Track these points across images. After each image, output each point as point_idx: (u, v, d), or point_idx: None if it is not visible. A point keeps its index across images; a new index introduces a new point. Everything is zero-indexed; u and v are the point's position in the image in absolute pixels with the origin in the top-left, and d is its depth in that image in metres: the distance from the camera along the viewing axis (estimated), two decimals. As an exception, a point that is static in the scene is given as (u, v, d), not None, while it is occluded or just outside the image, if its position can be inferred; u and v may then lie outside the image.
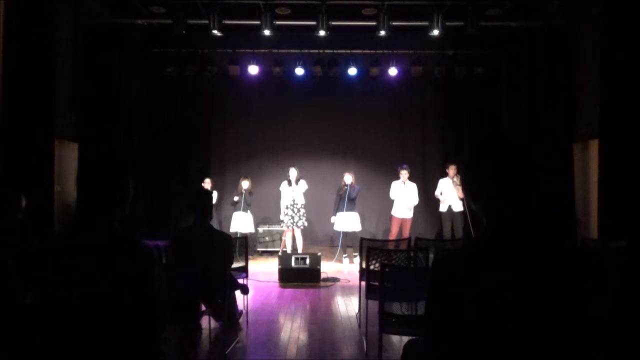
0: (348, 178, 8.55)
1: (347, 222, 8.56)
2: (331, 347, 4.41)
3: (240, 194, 8.95)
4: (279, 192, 8.87)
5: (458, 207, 8.43)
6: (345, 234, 8.61)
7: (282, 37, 8.32)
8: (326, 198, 9.73)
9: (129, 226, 7.27)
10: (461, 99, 9.84)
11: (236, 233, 8.59)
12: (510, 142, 1.46)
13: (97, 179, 1.86)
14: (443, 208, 8.56)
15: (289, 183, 8.68)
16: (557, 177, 7.27)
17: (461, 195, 8.36)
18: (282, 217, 8.73)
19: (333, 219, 8.72)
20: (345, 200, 8.52)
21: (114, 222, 1.85)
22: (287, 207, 8.64)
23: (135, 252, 1.80)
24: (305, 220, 8.71)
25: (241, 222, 8.93)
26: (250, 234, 9.02)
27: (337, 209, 8.69)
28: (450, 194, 8.48)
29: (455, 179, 8.42)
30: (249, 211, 9.04)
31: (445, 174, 8.59)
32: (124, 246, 1.81)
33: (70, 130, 7.12)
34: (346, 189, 8.50)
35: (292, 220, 8.60)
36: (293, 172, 8.67)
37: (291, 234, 8.72)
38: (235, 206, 9.01)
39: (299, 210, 8.62)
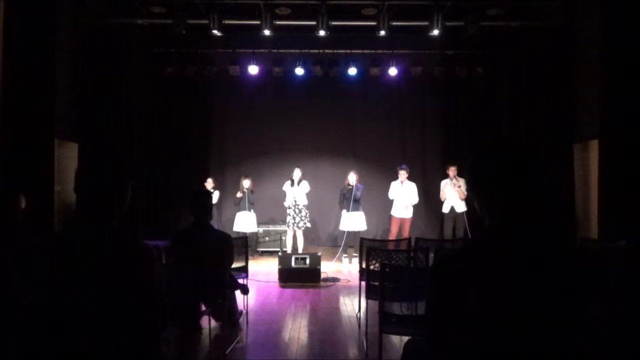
0: (352, 177, 8.52)
1: (353, 221, 8.55)
2: (331, 347, 4.41)
3: (242, 193, 8.94)
4: (279, 192, 8.87)
5: (460, 207, 8.42)
6: (350, 233, 8.58)
7: (282, 37, 8.33)
8: (326, 198, 9.73)
9: (129, 226, 7.28)
10: (461, 99, 9.83)
11: (239, 233, 8.57)
12: (513, 144, 1.46)
13: (97, 179, 1.86)
14: (445, 209, 8.55)
15: (292, 183, 8.67)
16: (557, 177, 7.27)
17: (462, 196, 8.37)
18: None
19: (344, 213, 8.68)
20: (350, 200, 8.51)
21: (113, 222, 1.85)
22: (289, 208, 8.65)
23: (135, 252, 1.80)
24: (308, 221, 8.69)
25: (244, 222, 8.92)
26: (253, 233, 9.01)
27: (342, 208, 8.67)
28: (452, 194, 8.48)
29: (455, 180, 8.41)
30: (252, 210, 9.03)
31: (446, 176, 8.59)
32: (123, 246, 1.81)
33: (70, 130, 7.12)
34: (351, 189, 8.49)
35: (293, 221, 8.59)
36: (297, 173, 8.65)
37: (293, 234, 8.72)
38: (239, 205, 8.99)
39: (300, 211, 8.60)
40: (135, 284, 1.75)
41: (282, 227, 9.08)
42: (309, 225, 8.73)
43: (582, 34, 7.32)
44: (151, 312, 1.78)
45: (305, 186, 8.65)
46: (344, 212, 8.65)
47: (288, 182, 8.73)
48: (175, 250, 4.14)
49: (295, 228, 8.61)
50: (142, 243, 1.85)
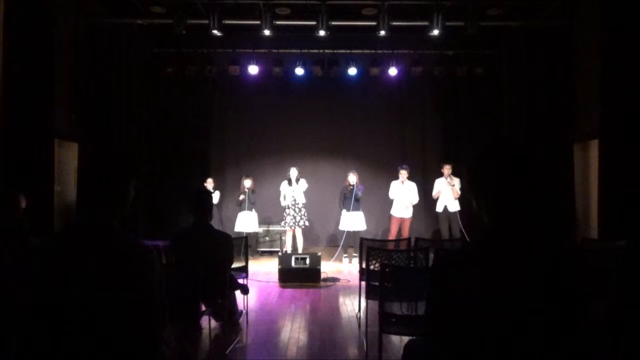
0: (352, 178, 8.54)
1: (353, 221, 8.56)
2: (331, 347, 4.41)
3: (243, 193, 8.95)
4: (279, 192, 8.87)
5: (454, 207, 8.43)
6: (350, 233, 8.60)
7: (282, 37, 8.33)
8: (326, 198, 9.73)
9: (129, 226, 7.28)
10: (461, 99, 9.83)
11: (241, 233, 8.57)
12: (513, 143, 1.46)
13: (98, 179, 1.86)
14: (439, 208, 8.57)
15: (289, 182, 8.67)
16: (557, 177, 7.27)
17: (456, 195, 8.38)
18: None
19: (344, 213, 8.68)
20: (351, 200, 8.52)
21: (114, 222, 1.85)
22: (288, 207, 8.64)
23: (135, 252, 1.80)
24: (307, 220, 8.70)
25: (246, 222, 8.92)
26: (254, 233, 9.02)
27: (343, 207, 8.68)
28: (445, 194, 8.48)
29: (449, 179, 8.41)
30: (253, 210, 9.03)
31: (441, 174, 8.60)
32: (124, 246, 1.81)
33: (70, 130, 7.12)
34: (352, 189, 8.50)
35: (294, 220, 8.59)
36: (294, 172, 8.66)
37: (292, 234, 8.72)
38: (240, 205, 9.01)
39: (300, 210, 8.61)
40: (136, 284, 1.75)
41: (283, 227, 9.07)
42: (307, 224, 8.73)
43: (582, 34, 7.31)
44: (151, 312, 1.78)
45: (303, 184, 8.66)
46: (344, 211, 8.67)
47: (285, 182, 8.73)
48: (175, 250, 4.14)
49: (296, 227, 8.61)
50: (143, 243, 1.85)
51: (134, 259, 1.78)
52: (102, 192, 1.84)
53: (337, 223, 9.03)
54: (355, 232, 8.44)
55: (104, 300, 1.72)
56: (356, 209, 8.58)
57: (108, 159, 1.91)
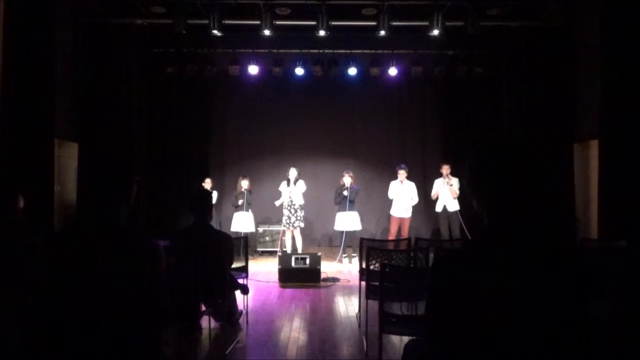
0: (347, 179, 8.54)
1: (348, 221, 8.58)
2: (331, 347, 4.41)
3: (240, 194, 8.94)
4: (278, 192, 8.87)
5: (452, 206, 8.44)
6: (346, 233, 8.61)
7: (282, 37, 8.33)
8: (326, 198, 9.72)
9: (130, 225, 7.28)
10: (461, 99, 9.83)
11: (237, 233, 8.57)
12: (512, 143, 1.46)
13: (101, 174, 1.84)
14: (438, 208, 8.58)
15: (288, 183, 8.67)
16: (557, 177, 7.27)
17: (454, 195, 8.38)
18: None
19: (338, 214, 8.69)
20: (345, 200, 8.53)
21: (119, 220, 1.83)
22: (285, 207, 8.65)
23: (142, 250, 1.78)
24: (302, 221, 8.68)
25: (242, 222, 8.92)
26: (251, 233, 9.02)
27: (338, 208, 8.70)
28: (444, 194, 8.49)
29: (447, 179, 8.41)
30: (250, 210, 9.03)
31: (440, 175, 8.61)
32: (130, 244, 1.79)
33: (70, 130, 7.12)
34: (346, 189, 8.51)
35: (288, 221, 8.60)
36: (293, 172, 8.65)
37: (290, 234, 8.72)
38: (237, 207, 9.01)
39: (295, 211, 8.60)
40: (141, 281, 1.74)
41: (282, 227, 9.08)
42: (302, 225, 8.70)
43: (582, 34, 7.32)
44: (154, 311, 1.77)
45: (301, 186, 8.65)
46: (338, 212, 8.68)
47: (284, 182, 8.73)
48: (175, 250, 4.14)
49: (291, 228, 8.61)
50: (150, 240, 1.82)
51: (141, 257, 1.76)
52: (106, 187, 1.83)
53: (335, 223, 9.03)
54: (351, 232, 8.43)
55: (107, 299, 1.71)
56: (350, 209, 8.58)
57: (109, 156, 1.90)
